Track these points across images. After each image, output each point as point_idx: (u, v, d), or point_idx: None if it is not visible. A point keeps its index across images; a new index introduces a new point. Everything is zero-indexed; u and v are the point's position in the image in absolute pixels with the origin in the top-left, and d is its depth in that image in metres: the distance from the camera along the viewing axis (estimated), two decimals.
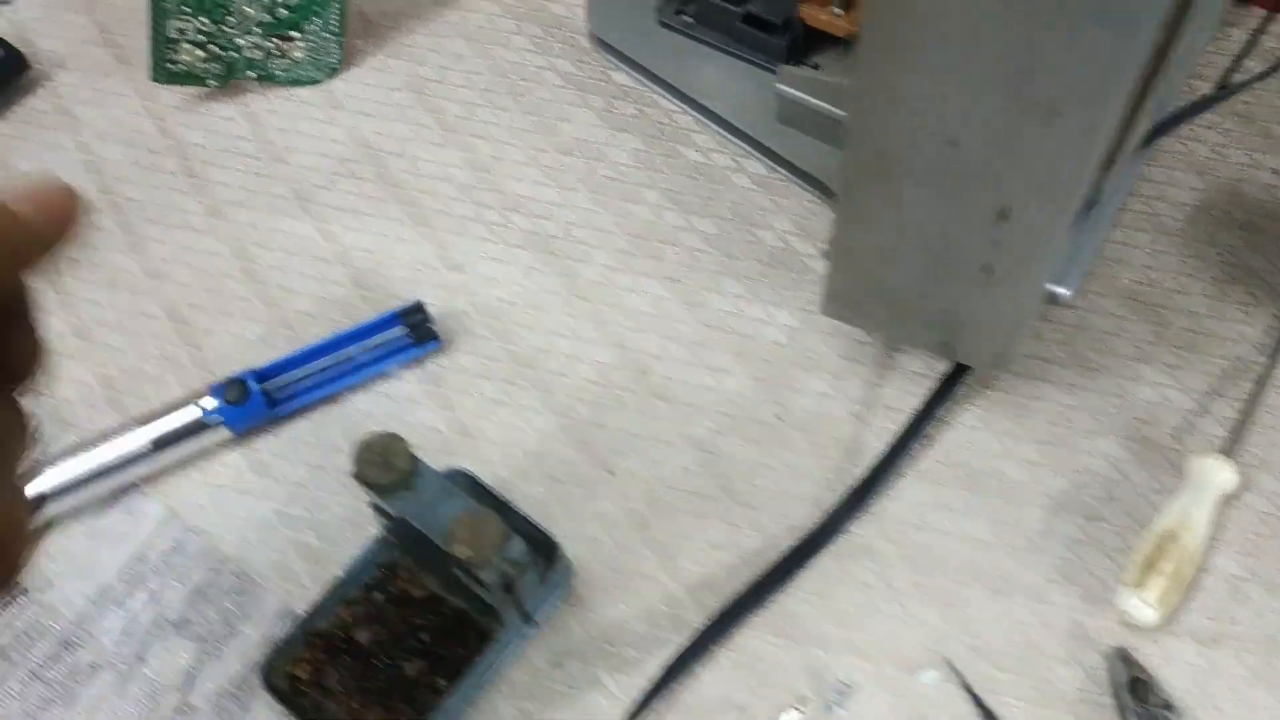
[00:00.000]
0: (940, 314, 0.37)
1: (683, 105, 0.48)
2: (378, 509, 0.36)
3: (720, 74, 0.48)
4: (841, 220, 0.36)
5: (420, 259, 0.45)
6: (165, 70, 0.47)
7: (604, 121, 0.48)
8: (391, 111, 0.49)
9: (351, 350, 0.42)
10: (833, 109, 0.44)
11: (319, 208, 0.47)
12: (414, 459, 0.34)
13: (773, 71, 0.47)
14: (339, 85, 0.50)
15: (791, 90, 0.45)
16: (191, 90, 0.49)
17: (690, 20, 0.49)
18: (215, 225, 0.47)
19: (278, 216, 0.47)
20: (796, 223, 0.45)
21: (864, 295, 0.38)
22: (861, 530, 0.39)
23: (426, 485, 0.34)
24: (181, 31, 0.47)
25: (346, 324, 0.44)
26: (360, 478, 0.34)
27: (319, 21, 0.48)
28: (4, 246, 0.23)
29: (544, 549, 0.37)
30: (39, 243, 0.24)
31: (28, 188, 0.24)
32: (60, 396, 0.43)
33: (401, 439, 0.34)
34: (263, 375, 0.41)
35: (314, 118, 0.49)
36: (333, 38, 0.48)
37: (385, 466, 0.34)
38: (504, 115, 0.49)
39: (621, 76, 0.49)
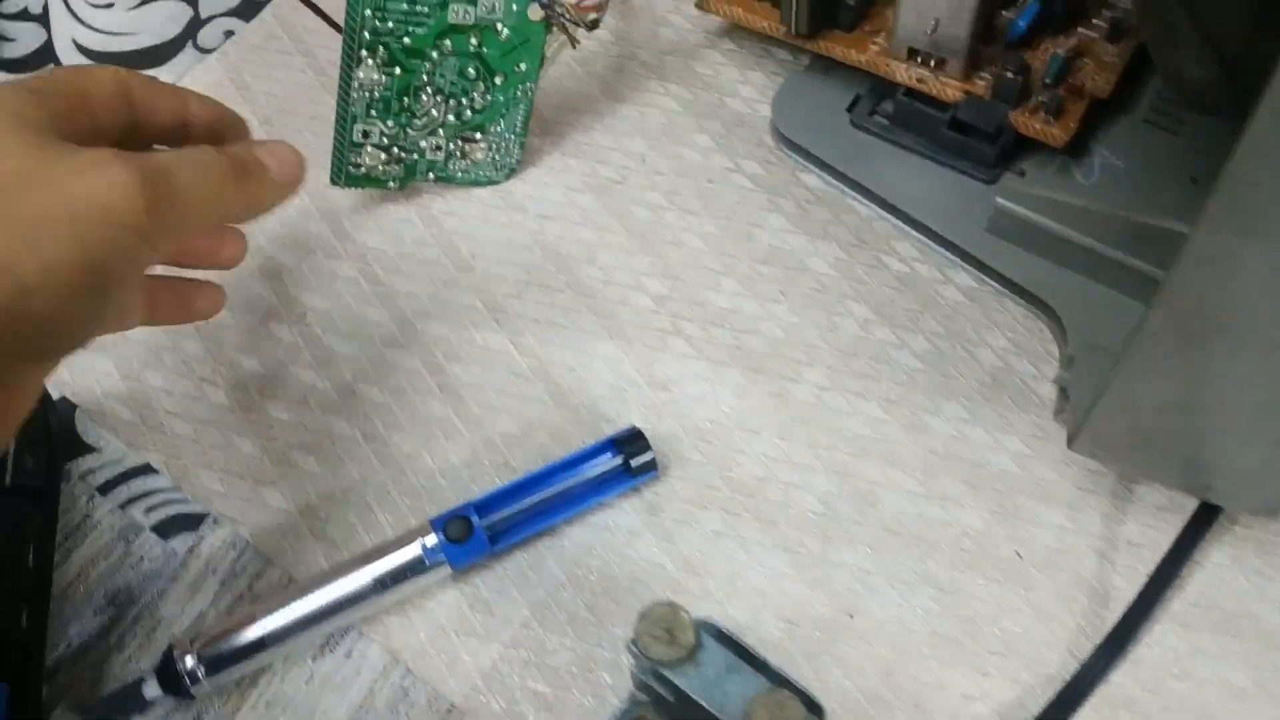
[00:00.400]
0: (1215, 462, 0.36)
1: (879, 210, 0.47)
2: (638, 672, 0.34)
3: (919, 178, 0.46)
4: (1127, 371, 0.34)
5: (623, 376, 0.44)
6: (347, 174, 0.46)
7: (798, 228, 0.47)
8: (575, 215, 0.47)
9: (567, 480, 0.41)
10: (1060, 227, 0.43)
11: (511, 319, 0.45)
12: (698, 631, 0.32)
13: (977, 178, 0.46)
14: (517, 186, 0.48)
15: (1014, 206, 0.43)
16: (364, 191, 0.48)
17: (886, 122, 0.47)
18: (405, 337, 0.45)
19: (470, 328, 0.45)
20: (1013, 340, 0.44)
21: (1130, 440, 0.37)
22: (1118, 679, 0.38)
23: (711, 659, 0.32)
24: (366, 135, 0.45)
25: (553, 446, 0.42)
26: (642, 653, 0.32)
27: (504, 122, 0.46)
28: (260, 196, 0.33)
29: (810, 711, 0.35)
30: (278, 194, 0.34)
31: (268, 147, 0.34)
32: (260, 526, 0.41)
33: (682, 609, 0.32)
34: (481, 508, 0.40)
35: (496, 221, 0.47)
36: (515, 138, 0.47)
37: (670, 641, 0.32)
38: (693, 220, 0.47)
39: (811, 178, 0.48)
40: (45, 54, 0.53)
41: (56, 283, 0.26)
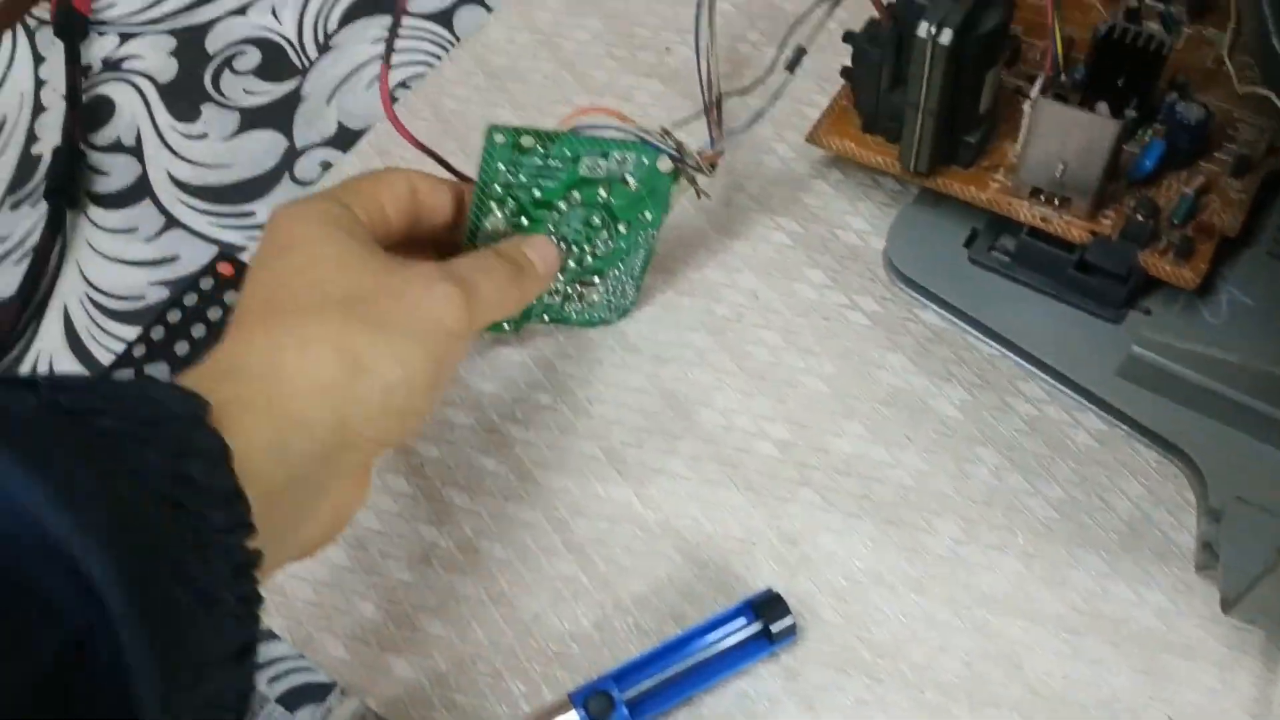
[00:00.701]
0: None
1: (1001, 349, 0.46)
2: None
3: (1042, 317, 0.46)
4: None
5: (751, 528, 0.43)
6: None
7: (920, 368, 0.46)
8: (691, 355, 0.47)
9: (705, 648, 0.40)
10: (1197, 376, 0.42)
11: (633, 469, 0.44)
12: None
13: (1103, 317, 0.45)
14: (630, 326, 0.48)
15: (1150, 354, 0.42)
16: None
17: (1006, 259, 0.46)
18: (525, 490, 0.44)
19: (591, 480, 0.44)
20: (1148, 487, 0.43)
21: None
22: None
23: None
24: None
25: (684, 606, 0.41)
26: None
27: (623, 266, 0.45)
28: (530, 290, 0.39)
29: None
30: (541, 286, 0.40)
31: (530, 242, 0.39)
32: (388, 696, 0.40)
33: None
34: (620, 679, 0.39)
35: (610, 363, 0.47)
36: (633, 282, 0.46)
37: None
38: (812, 360, 0.46)
39: (930, 315, 0.47)
40: (140, 189, 0.53)
41: (409, 380, 0.32)
